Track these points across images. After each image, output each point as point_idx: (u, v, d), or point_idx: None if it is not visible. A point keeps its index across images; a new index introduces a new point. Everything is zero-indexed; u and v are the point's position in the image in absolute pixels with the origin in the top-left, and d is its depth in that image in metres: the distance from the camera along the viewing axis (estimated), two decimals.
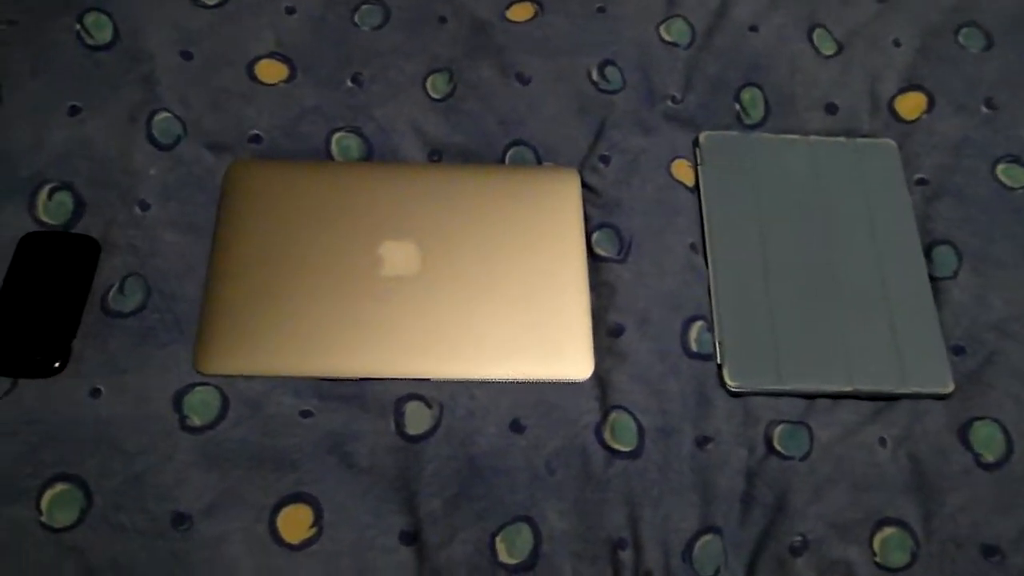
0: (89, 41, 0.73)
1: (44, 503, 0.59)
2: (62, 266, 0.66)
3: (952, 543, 0.61)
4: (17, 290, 0.65)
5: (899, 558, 0.61)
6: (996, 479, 0.63)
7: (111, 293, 0.65)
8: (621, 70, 0.76)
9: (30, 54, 0.72)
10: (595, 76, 0.76)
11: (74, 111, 0.71)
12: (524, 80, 0.75)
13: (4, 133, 0.69)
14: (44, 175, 0.69)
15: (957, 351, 0.67)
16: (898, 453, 0.64)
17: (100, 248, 0.67)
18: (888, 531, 0.62)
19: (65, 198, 0.68)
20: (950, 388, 0.66)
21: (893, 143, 0.75)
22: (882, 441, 0.64)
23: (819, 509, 0.62)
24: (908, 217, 0.72)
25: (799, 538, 0.61)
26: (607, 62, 0.76)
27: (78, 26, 0.73)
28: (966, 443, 0.64)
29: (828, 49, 0.79)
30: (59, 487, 0.59)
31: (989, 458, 0.64)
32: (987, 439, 0.64)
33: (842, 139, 0.75)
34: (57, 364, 0.63)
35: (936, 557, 0.61)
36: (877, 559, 0.61)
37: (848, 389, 0.66)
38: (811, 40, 0.79)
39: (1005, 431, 0.64)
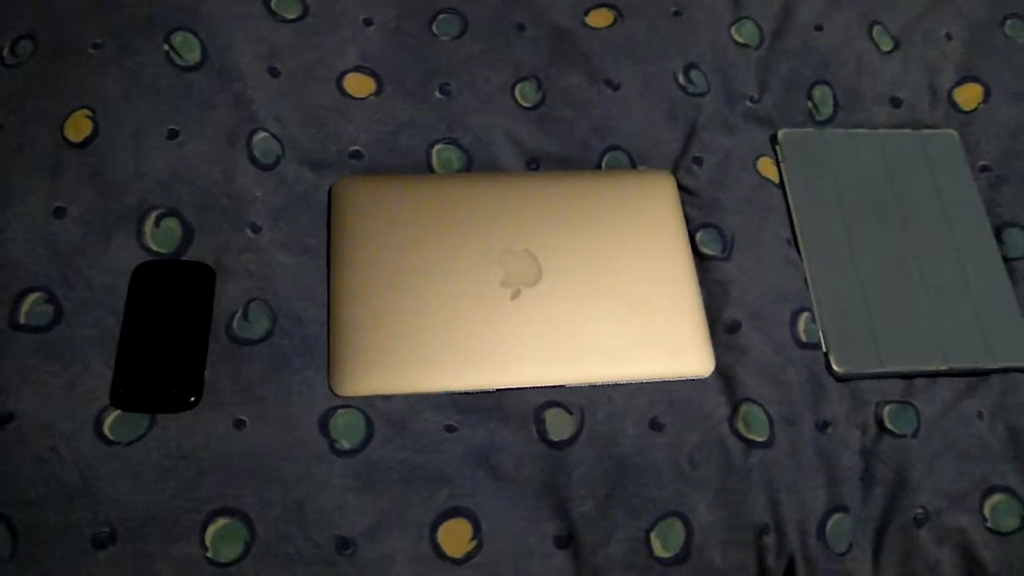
0: (179, 62, 0.71)
1: (208, 538, 0.58)
2: (180, 295, 0.65)
3: None
4: (139, 323, 0.63)
5: (1010, 522, 0.66)
6: None
7: (236, 320, 0.65)
8: (704, 73, 0.79)
9: (121, 78, 0.69)
10: (681, 80, 0.78)
11: (172, 135, 0.69)
12: (614, 86, 0.77)
13: (104, 160, 0.67)
14: (149, 202, 0.67)
15: None
16: (996, 424, 0.69)
17: (215, 274, 0.66)
18: (997, 498, 0.67)
19: (173, 224, 0.67)
20: None
21: (955, 133, 0.80)
22: (979, 414, 0.70)
23: (933, 482, 0.67)
24: (976, 202, 0.77)
25: (920, 510, 0.66)
26: (691, 65, 0.79)
27: (167, 47, 0.71)
28: None
29: (886, 45, 0.83)
30: (221, 521, 0.59)
31: None
32: None
33: (908, 131, 0.80)
34: (192, 398, 0.62)
35: None
36: (989, 524, 0.66)
37: (943, 368, 0.71)
38: (871, 37, 0.83)
39: None
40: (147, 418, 0.61)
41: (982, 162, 0.79)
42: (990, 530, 0.66)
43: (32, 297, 0.63)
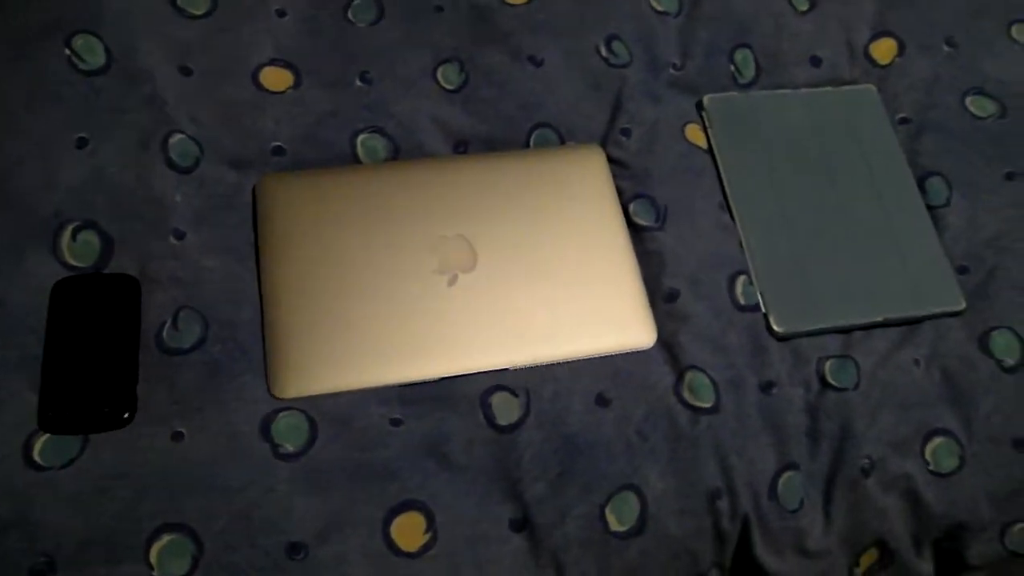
0: (82, 66, 0.68)
1: (153, 557, 0.57)
2: (104, 310, 0.62)
3: (989, 442, 0.69)
4: (63, 342, 0.61)
5: (950, 463, 0.68)
6: (1017, 380, 0.71)
7: (165, 330, 0.62)
8: (625, 43, 0.78)
9: (22, 86, 0.66)
10: (604, 52, 0.78)
11: (82, 143, 0.66)
12: (536, 63, 0.76)
13: (10, 174, 0.64)
14: (64, 215, 0.64)
15: (962, 271, 0.75)
16: (931, 370, 0.71)
17: (140, 285, 0.64)
18: (937, 441, 0.69)
19: (91, 237, 0.64)
20: (963, 305, 0.73)
21: (873, 87, 0.81)
22: (916, 362, 0.71)
23: (876, 431, 0.68)
24: (898, 154, 0.79)
25: (866, 460, 0.67)
26: (612, 37, 0.78)
27: (67, 51, 0.68)
28: (987, 352, 0.72)
29: (802, 5, 0.84)
30: (166, 538, 0.57)
31: (1010, 362, 0.71)
32: (1005, 346, 0.72)
33: (829, 88, 0.81)
34: (126, 415, 0.60)
35: (979, 457, 0.69)
36: (931, 467, 0.68)
37: (878, 319, 0.72)
38: None
39: (1018, 336, 0.72)
40: (80, 439, 0.59)
41: (901, 115, 0.81)
42: (932, 472, 0.68)
43: None
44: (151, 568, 0.56)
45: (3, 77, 0.66)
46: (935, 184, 0.78)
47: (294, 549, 0.58)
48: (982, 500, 0.68)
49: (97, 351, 0.61)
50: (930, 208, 0.77)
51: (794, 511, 0.65)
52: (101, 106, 0.67)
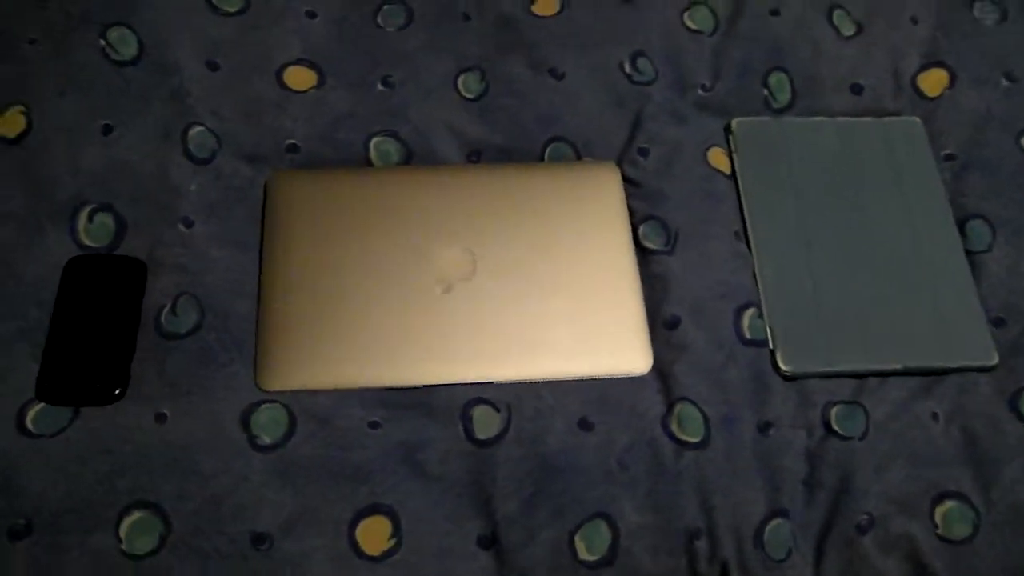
0: (115, 57, 0.71)
1: (123, 531, 0.58)
2: (111, 290, 0.65)
3: (1011, 511, 0.64)
4: (68, 317, 0.63)
5: (961, 530, 0.63)
6: None
7: (164, 314, 0.65)
8: (652, 61, 0.77)
9: (56, 73, 0.70)
10: (628, 68, 0.76)
11: (107, 130, 0.69)
12: (557, 76, 0.75)
13: (38, 156, 0.68)
14: (83, 197, 0.67)
15: (997, 323, 0.70)
16: (950, 427, 0.66)
17: (147, 269, 0.66)
18: (948, 504, 0.64)
19: (106, 219, 0.67)
20: (995, 360, 0.68)
21: (918, 120, 0.76)
22: (934, 416, 0.66)
23: (881, 487, 0.64)
24: (939, 193, 0.74)
25: (865, 516, 0.63)
26: (638, 53, 0.77)
27: (102, 42, 0.71)
28: (1017, 413, 0.66)
29: (848, 30, 0.80)
30: (136, 514, 0.59)
31: None
32: None
33: (868, 119, 0.76)
34: (118, 391, 0.62)
35: (998, 527, 0.63)
36: (940, 532, 0.63)
37: (897, 367, 0.67)
38: (831, 22, 0.80)
39: None
40: (70, 411, 0.61)
41: (946, 151, 0.76)
42: (941, 538, 0.63)
43: None
44: (120, 541, 0.58)
45: (41, 64, 0.70)
46: (977, 227, 0.73)
47: (259, 540, 0.59)
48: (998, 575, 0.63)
49: (98, 328, 0.63)
50: (969, 253, 0.72)
51: (779, 561, 0.62)
52: (129, 96, 0.70)
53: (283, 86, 0.73)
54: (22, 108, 0.69)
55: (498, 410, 0.64)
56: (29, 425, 0.60)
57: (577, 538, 0.61)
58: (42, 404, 0.61)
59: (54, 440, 0.60)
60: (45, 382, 0.62)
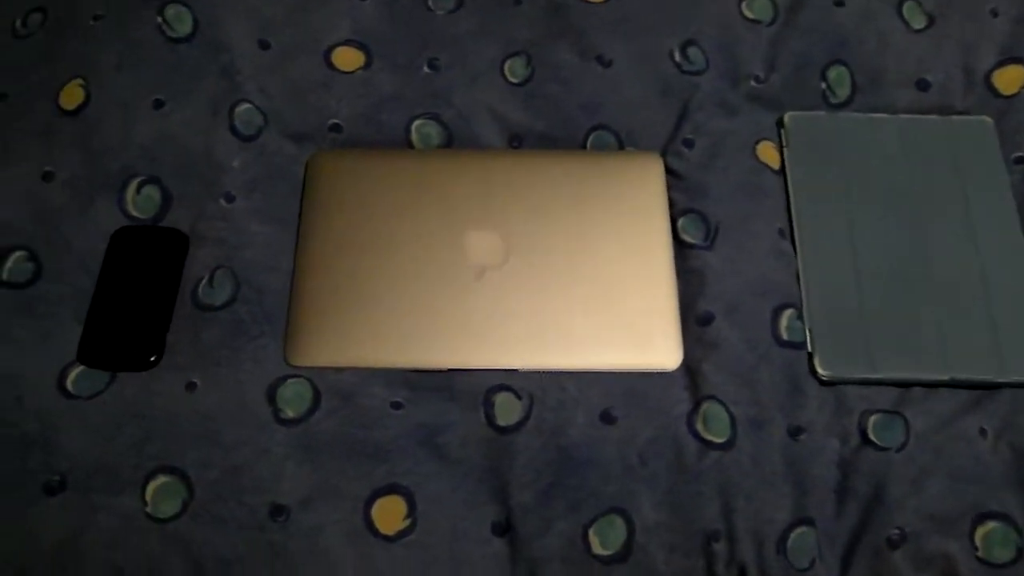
0: (170, 34, 0.73)
1: (149, 494, 0.60)
2: (153, 260, 0.67)
3: None
4: (112, 285, 0.66)
5: (1004, 553, 0.60)
6: None
7: (201, 286, 0.66)
8: (703, 50, 0.74)
9: (115, 49, 0.72)
10: (677, 57, 0.74)
11: (158, 104, 0.71)
12: (605, 63, 0.74)
13: (93, 128, 0.70)
14: (132, 169, 0.69)
15: None
16: (999, 444, 0.63)
17: (188, 241, 0.68)
18: (991, 525, 0.61)
19: (153, 192, 0.69)
20: None
21: (990, 120, 0.72)
22: (982, 432, 0.63)
23: (917, 502, 0.61)
24: (1007, 198, 0.70)
25: (896, 531, 0.60)
26: (689, 42, 0.74)
27: (159, 19, 0.73)
28: None
29: (918, 22, 0.76)
30: (162, 479, 0.61)
31: None
32: None
33: (934, 117, 0.72)
34: (153, 358, 0.64)
35: None
36: (979, 554, 0.60)
37: (945, 378, 0.64)
38: (900, 14, 0.76)
39: None
40: (108, 375, 0.64)
41: (1018, 153, 0.71)
42: (981, 560, 0.60)
43: (15, 255, 0.66)
44: (145, 504, 0.60)
45: (101, 39, 0.73)
46: None
47: (277, 511, 0.60)
48: None
49: (139, 297, 0.66)
50: None
51: (802, 570, 0.60)
52: (181, 72, 0.72)
53: (331, 66, 0.74)
54: (81, 81, 0.71)
55: (520, 398, 0.63)
56: (69, 386, 0.63)
57: (592, 532, 0.60)
58: (82, 367, 0.64)
59: (91, 402, 0.63)
60: (86, 346, 0.64)
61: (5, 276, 0.66)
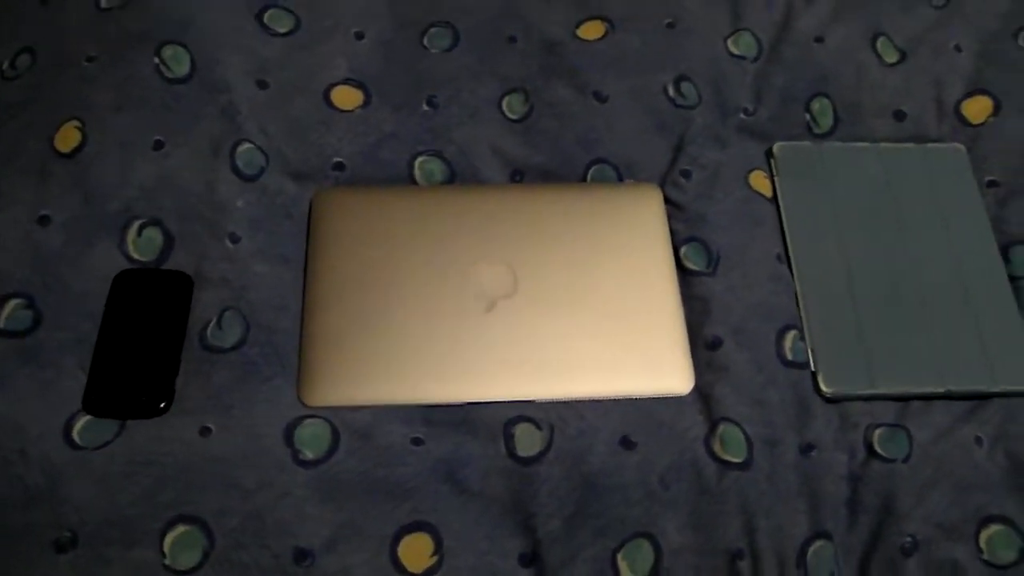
0: (168, 74, 0.73)
1: (167, 545, 0.58)
2: (158, 303, 0.65)
3: None
4: (116, 330, 0.64)
5: (1008, 555, 0.63)
6: None
7: (209, 328, 0.65)
8: (695, 85, 0.77)
9: (112, 89, 0.71)
10: (671, 92, 0.77)
11: (158, 145, 0.70)
12: (601, 98, 0.76)
13: (91, 170, 0.69)
14: (133, 211, 0.68)
15: None
16: (995, 451, 0.66)
17: (193, 283, 0.67)
18: (994, 528, 0.63)
19: (154, 234, 0.68)
20: None
21: (962, 147, 0.76)
22: (978, 440, 0.66)
23: (924, 510, 0.63)
24: (982, 219, 0.74)
25: (908, 539, 0.62)
26: (682, 78, 0.77)
27: (156, 59, 0.73)
28: None
29: (891, 57, 0.81)
30: (180, 528, 0.59)
31: None
32: None
33: (911, 145, 0.77)
34: (163, 404, 0.62)
35: None
36: (984, 557, 0.63)
37: (940, 390, 0.67)
38: (875, 49, 0.81)
39: None
40: (116, 424, 0.62)
41: (989, 177, 0.76)
42: (986, 562, 0.62)
43: (13, 303, 0.64)
44: (163, 556, 0.58)
45: (97, 80, 0.72)
46: (1020, 253, 0.72)
47: (302, 555, 0.59)
48: None
49: (145, 342, 0.64)
50: (1013, 279, 0.71)
51: None
52: (180, 112, 0.71)
53: (330, 105, 0.74)
54: (77, 123, 0.70)
55: (540, 428, 0.64)
56: (76, 437, 0.61)
57: (620, 556, 0.61)
58: (89, 416, 0.62)
59: (100, 452, 0.61)
60: (92, 395, 0.62)
61: (3, 325, 0.64)
